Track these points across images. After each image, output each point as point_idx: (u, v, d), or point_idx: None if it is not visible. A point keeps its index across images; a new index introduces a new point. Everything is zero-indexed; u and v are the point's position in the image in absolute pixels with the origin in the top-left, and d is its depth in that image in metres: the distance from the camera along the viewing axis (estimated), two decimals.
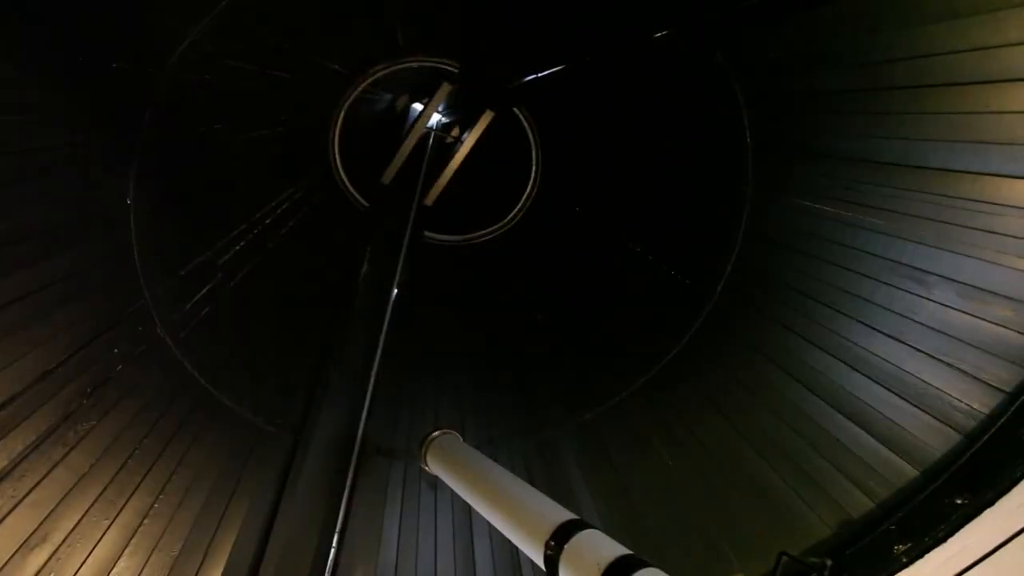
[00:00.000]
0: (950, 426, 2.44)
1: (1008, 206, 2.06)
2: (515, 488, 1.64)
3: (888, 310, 2.53)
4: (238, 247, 3.11)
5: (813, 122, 2.60)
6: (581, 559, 1.25)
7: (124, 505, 2.51)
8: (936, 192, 2.22)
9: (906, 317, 2.49)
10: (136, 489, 2.56)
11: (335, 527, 3.17)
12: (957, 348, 2.38)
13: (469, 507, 3.39)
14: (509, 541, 3.36)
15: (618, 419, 3.37)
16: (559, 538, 1.33)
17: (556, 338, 3.74)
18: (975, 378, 2.36)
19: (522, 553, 3.29)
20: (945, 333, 2.40)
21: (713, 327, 3.18)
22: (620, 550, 1.23)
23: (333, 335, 3.50)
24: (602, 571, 1.18)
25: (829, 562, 1.02)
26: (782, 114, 2.74)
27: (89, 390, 2.37)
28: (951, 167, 2.12)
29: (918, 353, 2.49)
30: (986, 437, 2.34)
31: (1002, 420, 2.31)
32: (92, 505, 2.42)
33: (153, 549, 2.59)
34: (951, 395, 2.43)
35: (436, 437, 2.18)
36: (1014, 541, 2.15)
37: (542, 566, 1.39)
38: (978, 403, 2.37)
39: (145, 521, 2.58)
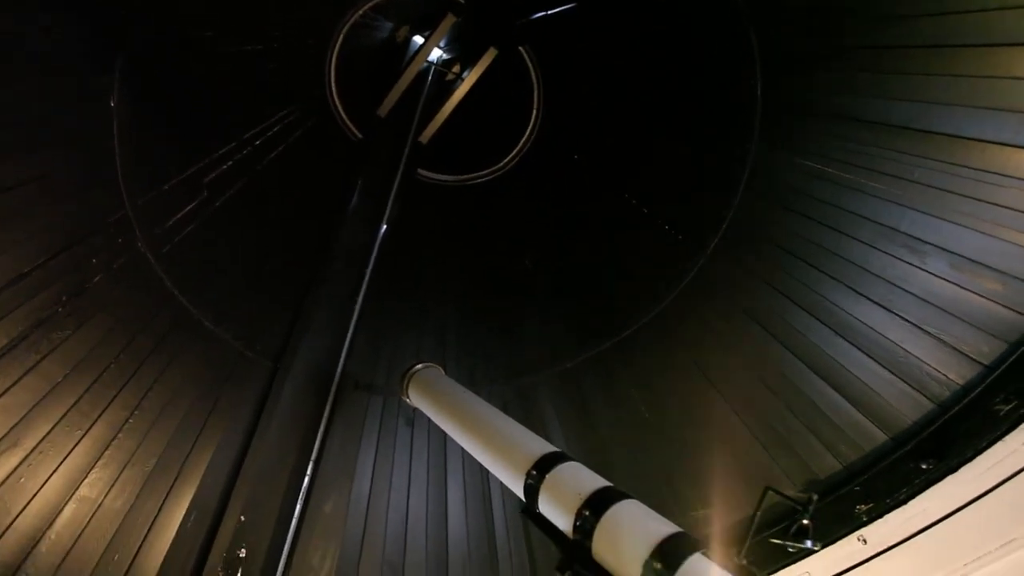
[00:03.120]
0: (925, 395, 2.48)
1: (1013, 177, 2.04)
2: (498, 420, 1.64)
3: (879, 277, 2.53)
4: (225, 166, 2.99)
5: (826, 79, 2.53)
6: (562, 489, 1.25)
7: (98, 417, 2.48)
8: (942, 159, 2.19)
9: (896, 285, 2.50)
10: (111, 403, 2.52)
11: (310, 456, 3.19)
12: (942, 319, 2.40)
13: (444, 446, 3.44)
14: (481, 481, 3.43)
15: (598, 369, 3.39)
16: (541, 468, 1.33)
17: (543, 285, 3.72)
18: (955, 349, 2.39)
19: (493, 493, 3.36)
20: (932, 303, 2.42)
21: (702, 284, 3.17)
22: (601, 482, 1.23)
23: (318, 266, 3.44)
24: (583, 500, 1.18)
25: (815, 496, 1.02)
26: (796, 68, 2.66)
27: (64, 298, 2.30)
28: (962, 134, 2.08)
29: (903, 322, 2.51)
30: (957, 407, 2.39)
31: (975, 392, 2.35)
32: (65, 415, 2.38)
33: (126, 463, 2.58)
34: (929, 364, 2.46)
35: (419, 370, 2.16)
36: (972, 506, 2.23)
37: (521, 496, 1.40)
38: (954, 374, 2.41)
39: (119, 435, 2.55)
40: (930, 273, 2.39)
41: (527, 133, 4.15)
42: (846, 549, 2.56)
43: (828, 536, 2.60)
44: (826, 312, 2.73)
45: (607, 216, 3.68)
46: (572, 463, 1.34)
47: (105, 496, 2.50)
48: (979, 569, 2.29)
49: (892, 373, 2.56)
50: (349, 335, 3.35)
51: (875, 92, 2.33)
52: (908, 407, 2.53)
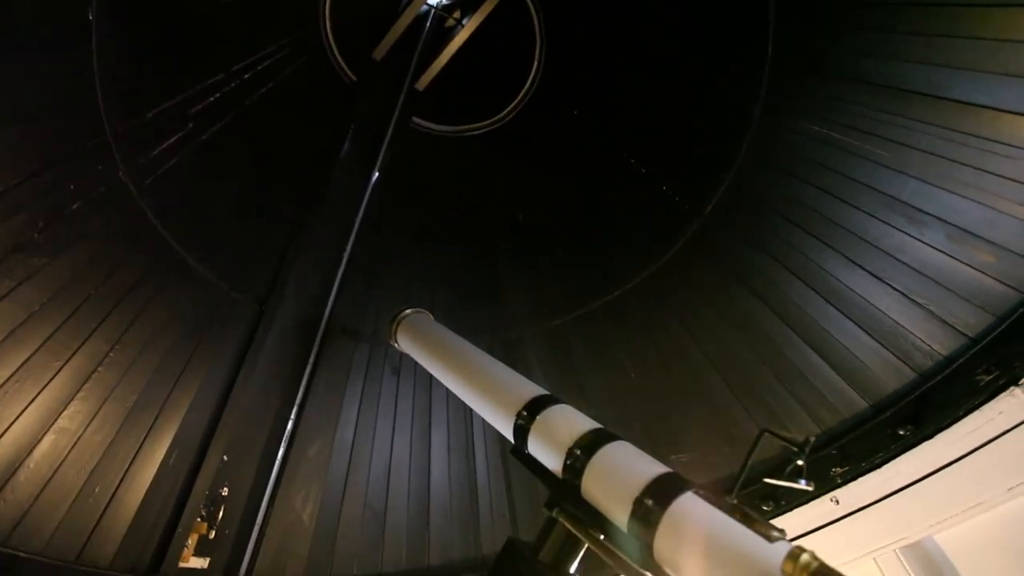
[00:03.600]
0: (908, 364, 2.52)
1: (1020, 148, 2.01)
2: (489, 363, 1.62)
3: (874, 246, 2.53)
4: (213, 98, 2.86)
5: (840, 38, 2.46)
6: (554, 429, 1.25)
7: (77, 349, 2.42)
8: (951, 127, 2.16)
9: (890, 255, 2.49)
10: (91, 335, 2.47)
11: (294, 401, 3.18)
12: (933, 290, 2.41)
13: (429, 397, 3.45)
14: (464, 433, 3.45)
15: (586, 327, 3.39)
16: (532, 409, 1.32)
17: (535, 241, 3.67)
18: (943, 321, 2.41)
19: (476, 444, 3.39)
20: (924, 274, 2.43)
21: (695, 248, 3.15)
22: (593, 424, 1.22)
23: (307, 209, 3.36)
24: (574, 440, 1.17)
25: (812, 438, 1.02)
26: (811, 26, 2.58)
27: (41, 224, 2.21)
28: (975, 100, 2.04)
29: (893, 292, 2.52)
30: (939, 377, 2.43)
31: (957, 363, 2.39)
32: (42, 345, 2.33)
33: (107, 398, 2.55)
34: (916, 335, 2.49)
35: (408, 315, 2.13)
36: (943, 471, 2.29)
37: (510, 437, 1.39)
38: (939, 345, 2.44)
39: (100, 368, 2.51)
40: (926, 244, 2.39)
41: (527, 86, 4.03)
42: (818, 510, 2.64)
43: (801, 497, 2.68)
44: (818, 279, 2.73)
45: (604, 175, 3.62)
46: (563, 406, 1.33)
47: (85, 429, 2.47)
48: (944, 531, 2.37)
49: (878, 342, 2.59)
50: (337, 281, 3.30)
51: (890, 54, 2.27)
52: (891, 376, 2.56)
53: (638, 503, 0.98)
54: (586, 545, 1.14)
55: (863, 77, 2.38)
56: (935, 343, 2.45)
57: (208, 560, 2.83)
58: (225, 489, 2.93)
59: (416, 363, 3.48)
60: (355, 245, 3.49)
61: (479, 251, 3.75)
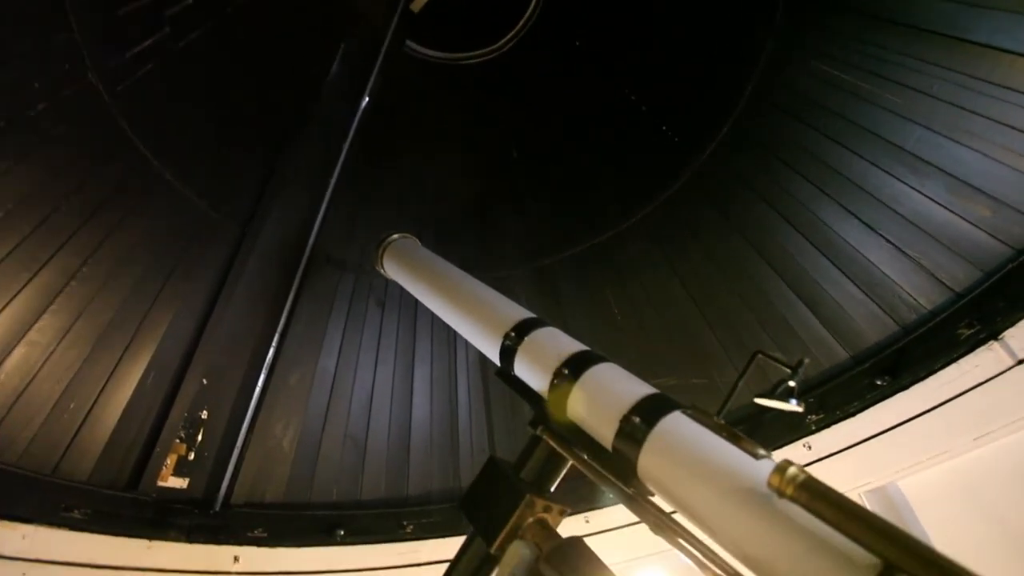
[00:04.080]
0: (892, 317, 2.53)
1: None
2: (476, 287, 1.58)
3: (873, 197, 2.49)
4: (190, 1, 2.66)
5: None
6: (541, 350, 1.22)
7: (48, 261, 2.33)
8: (967, 72, 2.09)
9: (888, 206, 2.46)
10: (61, 248, 2.37)
11: (276, 328, 3.14)
12: (925, 243, 2.40)
13: (414, 330, 3.42)
14: (447, 369, 3.45)
15: (574, 268, 3.36)
16: (520, 331, 1.29)
17: (528, 179, 3.58)
18: (931, 275, 2.41)
19: (459, 380, 3.40)
20: (919, 227, 2.41)
21: (691, 191, 3.09)
22: (581, 346, 1.20)
23: (294, 133, 3.21)
24: (562, 361, 1.14)
25: (806, 360, 1.00)
26: None
27: (2, 124, 2.07)
28: (994, 43, 1.97)
29: (886, 243, 2.50)
30: (920, 331, 2.45)
31: (940, 317, 2.40)
32: (9, 254, 2.23)
33: (81, 313, 2.47)
34: (903, 288, 2.49)
35: (395, 239, 2.07)
36: (914, 420, 2.35)
37: (495, 360, 1.36)
38: (925, 299, 2.45)
39: (72, 283, 2.42)
40: (925, 195, 2.36)
41: (527, 13, 3.83)
42: (790, 454, 2.71)
43: (775, 442, 2.74)
44: (812, 228, 2.70)
45: (603, 111, 3.49)
46: (551, 328, 1.30)
47: (58, 344, 2.41)
48: (908, 477, 2.45)
49: (865, 294, 2.59)
50: (323, 208, 3.20)
51: None
52: (874, 328, 2.58)
53: (625, 420, 0.96)
54: (569, 464, 1.13)
55: (884, 14, 2.27)
56: (921, 297, 2.46)
57: (187, 480, 2.85)
58: (204, 412, 2.92)
59: (401, 297, 3.45)
60: (342, 173, 3.37)
61: (470, 187, 3.65)
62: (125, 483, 2.65)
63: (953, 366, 2.26)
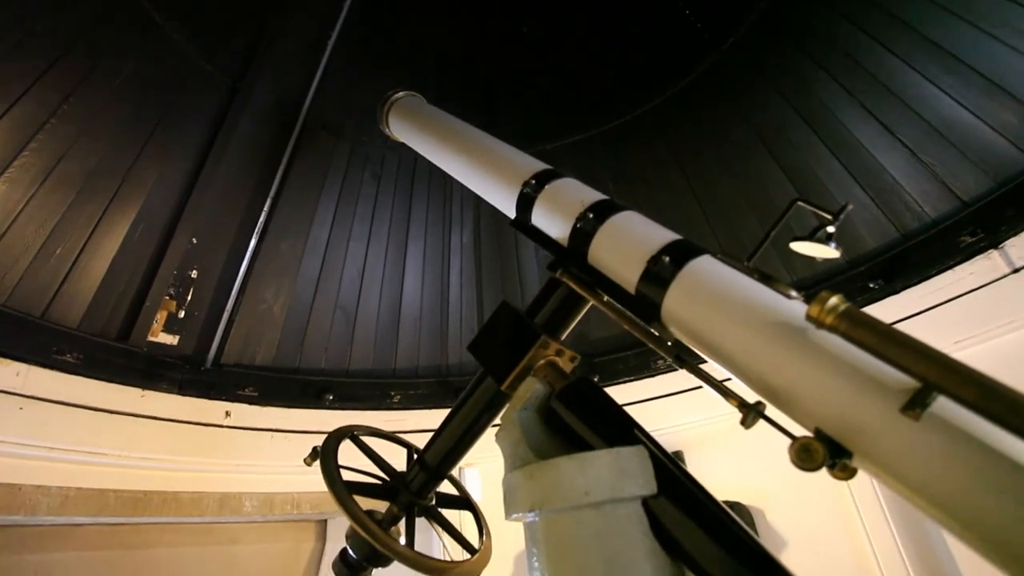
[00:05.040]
0: (894, 224, 2.53)
1: None
2: (492, 140, 1.51)
3: (897, 97, 2.40)
4: None
5: None
6: (564, 196, 1.18)
7: (25, 92, 2.16)
8: None
9: (911, 108, 2.38)
10: (39, 79, 2.19)
11: (268, 193, 3.04)
12: (942, 148, 2.35)
13: (409, 206, 3.34)
14: (441, 248, 3.42)
15: (577, 155, 3.26)
16: (541, 179, 1.24)
17: (537, 59, 3.37)
18: (942, 182, 2.39)
19: (452, 260, 3.37)
20: (939, 131, 2.35)
21: (708, 82, 2.95)
22: (602, 196, 1.15)
23: None
24: (586, 206, 1.10)
25: (850, 205, 0.99)
26: None
27: None
28: None
29: (901, 147, 2.45)
30: (921, 238, 2.46)
31: (941, 226, 2.41)
32: None
33: (63, 155, 2.34)
34: (910, 195, 2.47)
35: (400, 96, 1.94)
36: (900, 323, 2.41)
37: (510, 212, 1.32)
38: (931, 207, 2.44)
39: (52, 120, 2.27)
40: (952, 97, 2.27)
41: None
42: None
43: None
44: (828, 129, 2.63)
45: None
46: (573, 179, 1.25)
47: (41, 184, 2.30)
48: None
49: (872, 199, 2.57)
50: (320, 69, 3.00)
51: None
52: (874, 233, 2.59)
53: (653, 260, 0.95)
54: (584, 309, 1.13)
55: None
56: (927, 204, 2.45)
57: (177, 338, 2.86)
58: (194, 272, 2.88)
59: (397, 172, 3.34)
60: (341, 38, 3.13)
61: (476, 64, 3.43)
62: (116, 335, 2.66)
63: (948, 272, 2.30)
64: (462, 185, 3.41)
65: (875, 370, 0.70)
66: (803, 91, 2.68)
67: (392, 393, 3.22)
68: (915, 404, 0.64)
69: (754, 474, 2.55)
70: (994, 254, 2.17)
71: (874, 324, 0.68)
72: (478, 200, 3.44)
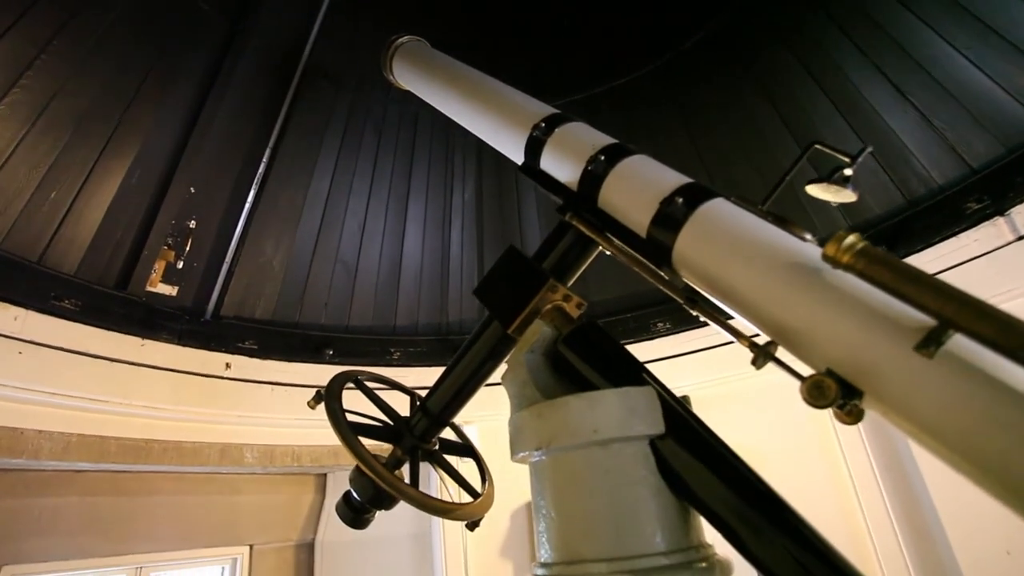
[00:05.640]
0: (901, 190, 2.51)
1: None
2: (500, 84, 1.47)
3: (912, 58, 2.35)
4: None
5: None
6: (575, 139, 1.15)
7: (13, 25, 2.09)
8: None
9: (926, 70, 2.33)
10: (26, 11, 2.11)
11: (268, 142, 2.98)
12: (955, 113, 2.31)
13: (411, 162, 3.29)
14: (443, 205, 3.38)
15: (581, 113, 3.18)
16: (551, 122, 1.21)
17: (542, 7, 3.26)
18: (951, 148, 2.36)
19: (453, 218, 3.35)
20: (953, 95, 2.30)
21: (719, 39, 2.87)
22: (613, 140, 1.13)
23: None
24: (597, 149, 1.08)
25: (870, 148, 0.97)
26: None
27: None
28: None
29: (913, 111, 2.41)
30: (926, 204, 2.44)
31: (948, 192, 2.39)
32: None
33: (55, 93, 2.27)
34: (919, 160, 2.44)
35: (404, 41, 1.88)
36: None
37: (517, 157, 1.30)
38: (938, 172, 2.42)
39: (42, 56, 2.19)
40: (968, 59, 2.22)
41: None
42: None
43: None
44: (839, 90, 2.58)
45: None
46: (583, 123, 1.22)
47: (32, 125, 2.24)
48: None
49: (879, 163, 2.54)
50: (321, 13, 2.90)
51: None
52: (880, 199, 2.57)
53: (666, 202, 0.93)
54: (593, 254, 1.12)
55: None
56: (935, 170, 2.42)
57: (176, 289, 2.84)
58: (193, 222, 2.84)
59: (399, 127, 3.28)
60: None
61: (481, 18, 3.32)
62: (114, 283, 2.64)
63: (952, 239, 2.29)
64: (464, 142, 3.37)
65: (889, 309, 0.69)
66: (813, 48, 2.62)
67: (392, 350, 3.23)
68: (929, 342, 0.64)
69: (751, 436, 2.59)
70: (1000, 221, 2.16)
71: (891, 261, 0.67)
72: (480, 158, 3.41)
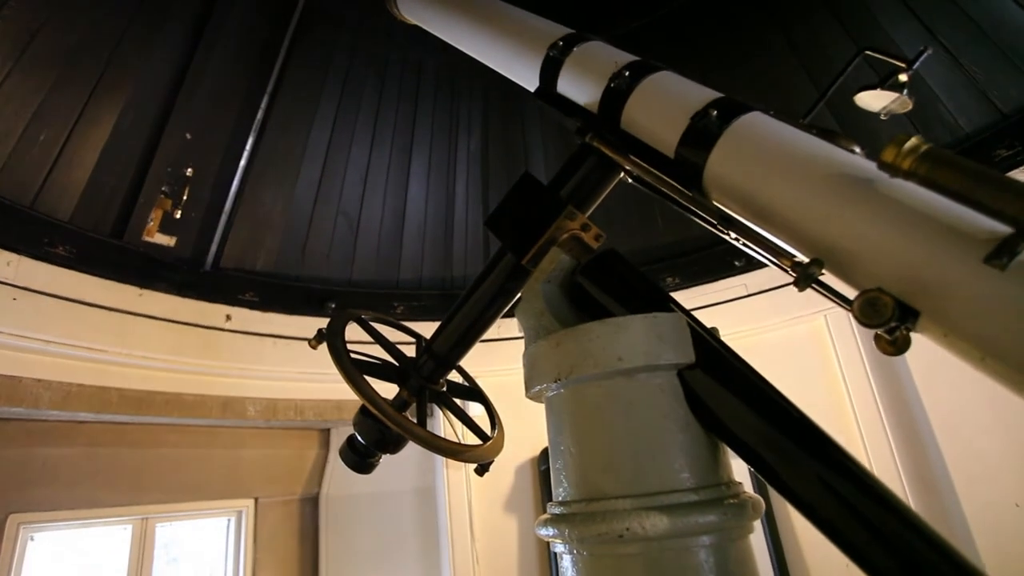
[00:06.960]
0: (925, 139, 2.40)
1: None
2: (510, 8, 1.36)
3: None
4: None
5: None
6: (595, 57, 1.07)
7: None
8: None
9: (957, 4, 2.20)
10: None
11: (266, 87, 2.85)
12: (987, 54, 2.20)
13: (414, 110, 3.17)
14: (447, 157, 3.27)
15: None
16: (569, 40, 1.12)
17: None
18: (982, 92, 2.25)
19: (458, 168, 3.24)
20: (988, 35, 2.18)
21: None
22: (635, 57, 1.03)
23: None
24: (620, 66, 0.99)
25: (929, 50, 0.88)
26: None
27: None
28: None
29: (943, 52, 2.28)
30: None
31: (976, 139, 2.29)
32: None
33: (38, 29, 2.16)
34: (946, 106, 2.34)
35: None
36: None
37: (532, 84, 1.20)
38: (966, 119, 2.31)
39: None
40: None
41: None
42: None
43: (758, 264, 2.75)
44: (866, 32, 2.44)
45: None
46: (602, 41, 1.13)
47: (16, 62, 2.13)
48: None
49: (904, 114, 2.42)
50: None
51: None
52: None
53: (698, 116, 0.85)
54: (615, 180, 1.05)
55: None
56: (963, 116, 2.32)
57: (174, 239, 2.77)
58: (190, 170, 2.75)
59: (402, 74, 3.14)
60: None
61: None
62: (110, 231, 2.57)
63: None
64: (469, 91, 3.23)
65: (954, 218, 0.62)
66: None
67: (395, 303, 3.18)
68: (1002, 252, 0.57)
69: None
70: None
71: (961, 163, 0.60)
72: (486, 107, 3.29)
